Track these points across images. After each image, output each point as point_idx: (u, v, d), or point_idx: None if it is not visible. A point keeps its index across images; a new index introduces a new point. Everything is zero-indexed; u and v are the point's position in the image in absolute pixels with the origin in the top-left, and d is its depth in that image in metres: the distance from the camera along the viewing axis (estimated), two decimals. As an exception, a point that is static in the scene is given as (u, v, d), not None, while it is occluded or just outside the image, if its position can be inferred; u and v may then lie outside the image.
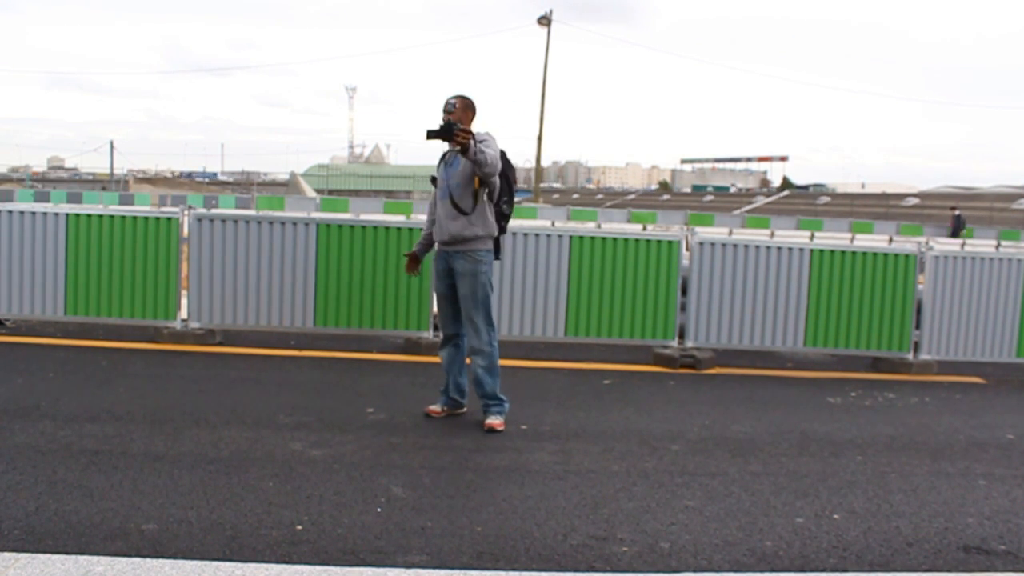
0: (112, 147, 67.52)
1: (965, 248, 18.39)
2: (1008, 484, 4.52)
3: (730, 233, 25.88)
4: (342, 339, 7.25)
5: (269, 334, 7.26)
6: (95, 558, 2.95)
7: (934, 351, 7.57)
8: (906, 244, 9.03)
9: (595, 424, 5.25)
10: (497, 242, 5.11)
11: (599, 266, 7.18)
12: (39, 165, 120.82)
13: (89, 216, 7.01)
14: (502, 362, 5.16)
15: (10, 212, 7.00)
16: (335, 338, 7.24)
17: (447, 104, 4.87)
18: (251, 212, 15.67)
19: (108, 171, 69.13)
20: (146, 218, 7.02)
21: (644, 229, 23.62)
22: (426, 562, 3.14)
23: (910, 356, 7.55)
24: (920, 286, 7.58)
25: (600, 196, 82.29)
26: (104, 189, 55.42)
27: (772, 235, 26.85)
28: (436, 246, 5.20)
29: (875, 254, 7.54)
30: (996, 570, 3.41)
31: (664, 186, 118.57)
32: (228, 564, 2.97)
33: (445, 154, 5.11)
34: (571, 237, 7.20)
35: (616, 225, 29.80)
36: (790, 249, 7.41)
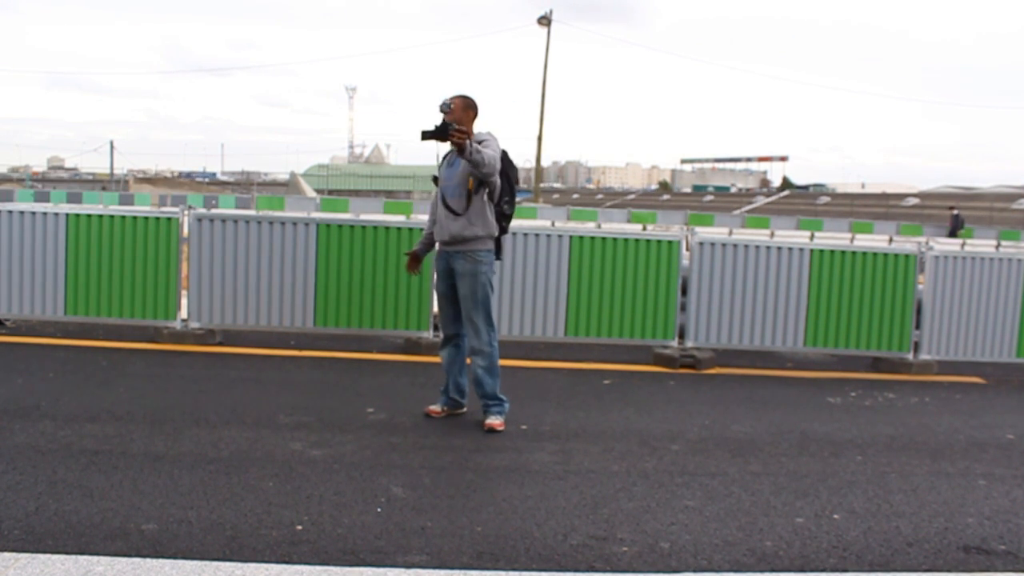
0: (112, 147, 67.57)
1: (965, 248, 18.39)
2: (1008, 484, 4.52)
3: (730, 233, 25.87)
4: (342, 339, 7.25)
5: (269, 334, 7.26)
6: (95, 558, 2.95)
7: (934, 351, 7.57)
8: (906, 244, 9.03)
9: (595, 424, 5.25)
10: (498, 242, 5.11)
11: (599, 266, 7.18)
12: (39, 165, 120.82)
13: (89, 216, 7.01)
14: (502, 362, 5.16)
15: (10, 212, 7.00)
16: (335, 338, 7.24)
17: (443, 104, 4.84)
18: (251, 212, 15.67)
19: (108, 171, 69.14)
20: (146, 218, 7.02)
21: (644, 229, 23.61)
22: (426, 562, 3.14)
23: (910, 356, 7.55)
24: (920, 286, 7.58)
25: (600, 196, 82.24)
26: (104, 189, 55.41)
27: (772, 235, 26.83)
28: (437, 246, 5.20)
29: (875, 254, 7.54)
30: (996, 570, 3.41)
31: (664, 186, 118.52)
32: (228, 564, 2.97)
33: (448, 154, 5.10)
34: (571, 237, 7.20)
35: (616, 225, 29.79)
36: (790, 249, 7.41)
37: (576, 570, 3.17)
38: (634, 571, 3.20)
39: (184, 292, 7.10)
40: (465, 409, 5.28)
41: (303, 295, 6.98)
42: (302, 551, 3.18)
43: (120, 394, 5.38)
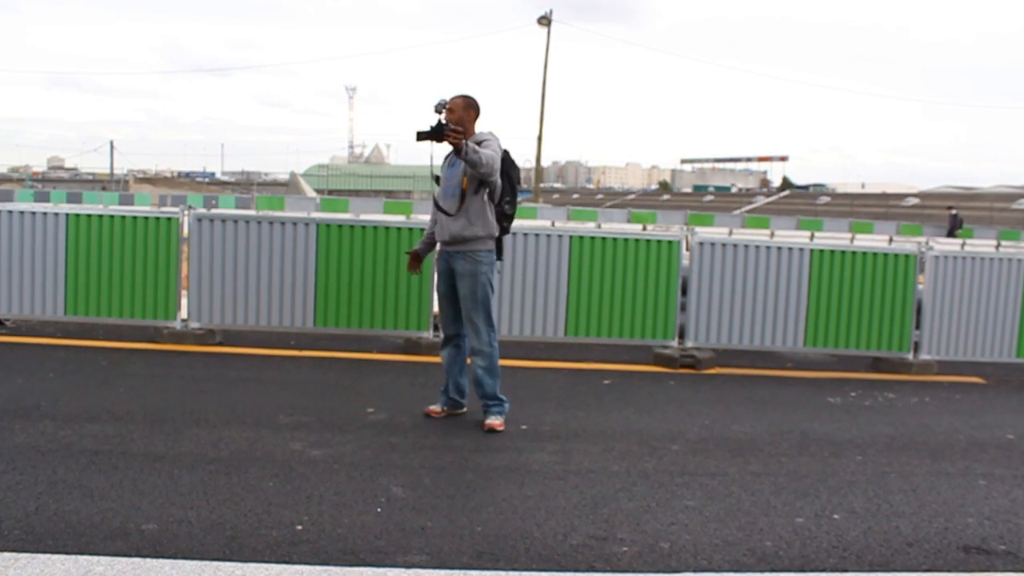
0: (112, 147, 67.60)
1: (965, 248, 18.39)
2: (1008, 484, 4.52)
3: (730, 233, 25.87)
4: (342, 339, 7.25)
5: (269, 334, 7.26)
6: (95, 558, 2.95)
7: (934, 351, 7.57)
8: (906, 244, 9.03)
9: (595, 424, 5.25)
10: (499, 243, 5.10)
11: (599, 266, 7.18)
12: (39, 165, 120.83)
13: (89, 216, 7.01)
14: (502, 362, 5.16)
15: (10, 212, 7.00)
16: (335, 338, 7.24)
17: (438, 104, 4.73)
18: (251, 212, 15.68)
19: (108, 171, 69.17)
20: (146, 218, 7.02)
21: (644, 229, 23.62)
22: (426, 562, 3.14)
23: (910, 356, 7.55)
24: (920, 286, 7.58)
25: (600, 196, 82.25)
26: (104, 189, 55.44)
27: (772, 235, 26.84)
28: (439, 246, 5.19)
29: (875, 254, 7.54)
30: (996, 570, 3.41)
31: (664, 186, 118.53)
32: (228, 564, 2.97)
33: (449, 154, 5.09)
34: (571, 237, 7.20)
35: (616, 225, 29.80)
36: (790, 249, 7.41)
37: (576, 570, 3.17)
38: (634, 571, 3.20)
39: (184, 292, 7.10)
40: (465, 409, 5.28)
41: (303, 295, 6.98)
42: (302, 551, 3.18)
43: (120, 394, 5.38)
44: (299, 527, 3.40)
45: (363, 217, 13.06)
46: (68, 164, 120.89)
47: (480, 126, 5.04)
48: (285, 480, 3.93)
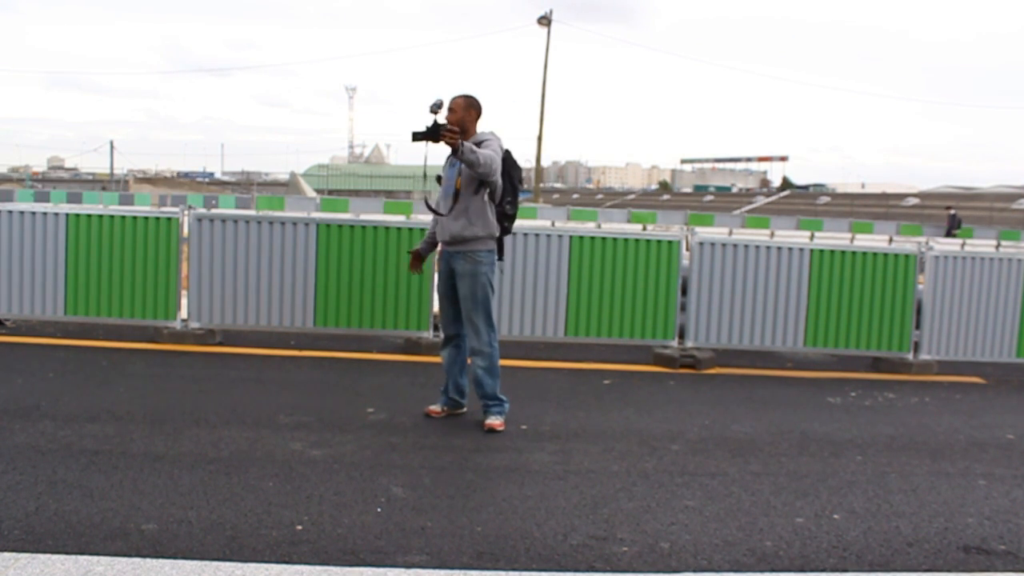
0: (112, 147, 67.61)
1: (965, 248, 18.39)
2: (1008, 484, 4.52)
3: (730, 233, 25.87)
4: (342, 339, 7.25)
5: (269, 334, 7.26)
6: (95, 558, 2.95)
7: (934, 351, 7.57)
8: (906, 244, 9.03)
9: (595, 424, 5.25)
10: (500, 243, 5.09)
11: (599, 266, 7.18)
12: (39, 165, 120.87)
13: (89, 216, 7.01)
14: (502, 362, 5.16)
15: (10, 212, 7.00)
16: (335, 338, 7.24)
17: (433, 104, 4.66)
18: (251, 212, 15.68)
19: (108, 171, 69.17)
20: (146, 218, 7.02)
21: (644, 229, 23.62)
22: (426, 562, 3.14)
23: (910, 356, 7.55)
24: (920, 286, 7.58)
25: (600, 196, 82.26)
26: (104, 189, 55.45)
27: (772, 235, 26.85)
28: (440, 246, 5.18)
29: (875, 254, 7.54)
30: (996, 570, 3.41)
31: (664, 186, 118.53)
32: (228, 564, 2.97)
33: (451, 154, 5.07)
34: (571, 237, 7.20)
35: (616, 225, 29.81)
36: (790, 249, 7.41)
37: (576, 570, 3.17)
38: (634, 571, 3.20)
39: (184, 292, 7.10)
40: (465, 409, 5.28)
41: (303, 295, 6.98)
42: (302, 551, 3.18)
43: (120, 394, 5.38)
44: (299, 527, 3.40)
45: (363, 217, 13.06)
46: (68, 164, 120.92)
47: (481, 126, 5.03)
48: (285, 480, 3.93)
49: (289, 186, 60.48)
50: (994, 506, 4.14)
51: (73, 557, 2.95)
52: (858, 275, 7.42)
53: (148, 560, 2.96)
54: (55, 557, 2.94)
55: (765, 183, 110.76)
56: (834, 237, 27.18)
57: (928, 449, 5.14)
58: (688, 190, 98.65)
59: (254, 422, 4.87)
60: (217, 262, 6.96)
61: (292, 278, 6.97)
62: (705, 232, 8.74)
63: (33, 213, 7.03)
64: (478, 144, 4.85)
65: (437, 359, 5.73)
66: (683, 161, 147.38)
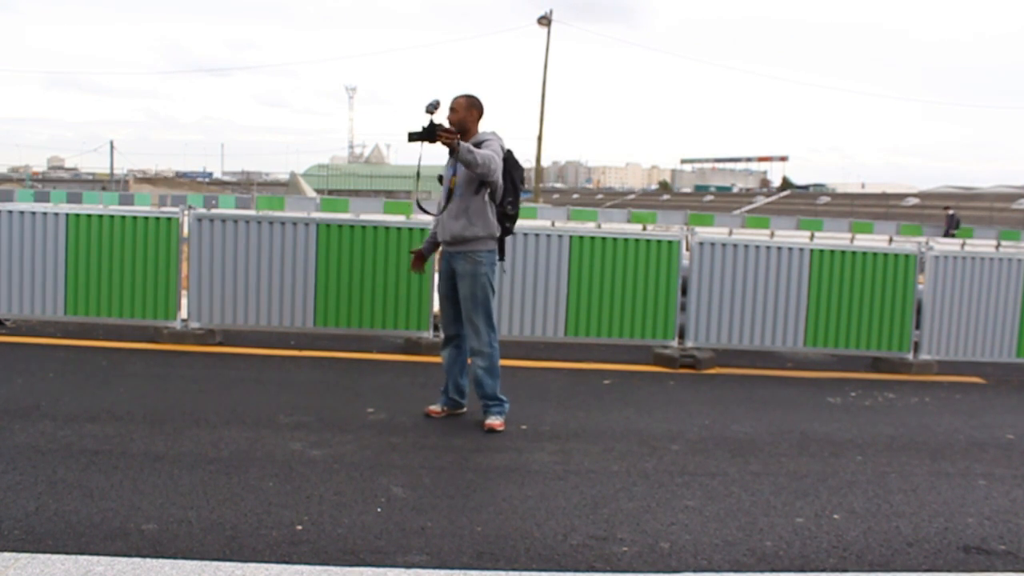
0: (112, 147, 67.61)
1: (965, 248, 18.40)
2: (1008, 484, 4.52)
3: (730, 233, 25.90)
4: (342, 339, 7.25)
5: (269, 334, 7.26)
6: (95, 558, 2.95)
7: (934, 351, 7.57)
8: (906, 244, 9.03)
9: (595, 424, 5.25)
10: (502, 243, 5.08)
11: (599, 266, 7.18)
12: (39, 165, 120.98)
13: (89, 216, 7.01)
14: (502, 362, 5.15)
15: (10, 212, 7.00)
16: (335, 338, 7.24)
17: (429, 105, 4.64)
18: (251, 212, 15.68)
19: (108, 171, 69.18)
20: (146, 218, 7.02)
21: (644, 229, 23.62)
22: (426, 562, 3.14)
23: (910, 356, 7.55)
24: (920, 286, 7.58)
25: (600, 196, 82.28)
26: (104, 189, 55.46)
27: (772, 235, 26.88)
28: (442, 246, 5.18)
29: (875, 254, 7.54)
30: (996, 570, 3.41)
31: (664, 186, 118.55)
32: (228, 564, 2.97)
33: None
34: (571, 237, 7.20)
35: (616, 225, 29.83)
36: (790, 249, 7.41)
37: (576, 570, 3.17)
38: (634, 571, 3.20)
39: (184, 292, 7.10)
40: (465, 409, 5.28)
41: (303, 295, 6.98)
42: (302, 551, 3.18)
43: (120, 394, 5.38)
44: (299, 527, 3.40)
45: (363, 217, 13.06)
46: (68, 164, 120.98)
47: (482, 126, 5.03)
48: (285, 480, 3.93)
49: (289, 186, 60.52)
50: (994, 506, 4.14)
51: (73, 557, 2.95)
52: (858, 275, 7.42)
53: (148, 560, 2.96)
54: (55, 557, 2.94)
55: (765, 183, 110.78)
56: (834, 237, 27.20)
57: (928, 449, 5.14)
58: (688, 190, 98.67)
59: (254, 422, 4.87)
60: (217, 262, 6.96)
61: (292, 278, 6.97)
62: (705, 232, 8.74)
63: (33, 213, 7.03)
64: (479, 144, 4.85)
65: (437, 359, 5.73)
66: (683, 161, 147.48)
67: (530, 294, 7.13)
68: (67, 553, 3.01)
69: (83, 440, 4.37)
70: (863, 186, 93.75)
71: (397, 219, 6.93)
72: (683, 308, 7.33)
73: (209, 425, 4.76)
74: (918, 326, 7.56)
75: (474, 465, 4.34)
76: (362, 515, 3.56)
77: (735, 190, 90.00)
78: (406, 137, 4.61)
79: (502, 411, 5.03)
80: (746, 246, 7.37)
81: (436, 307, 6.85)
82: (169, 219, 6.99)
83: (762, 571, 3.26)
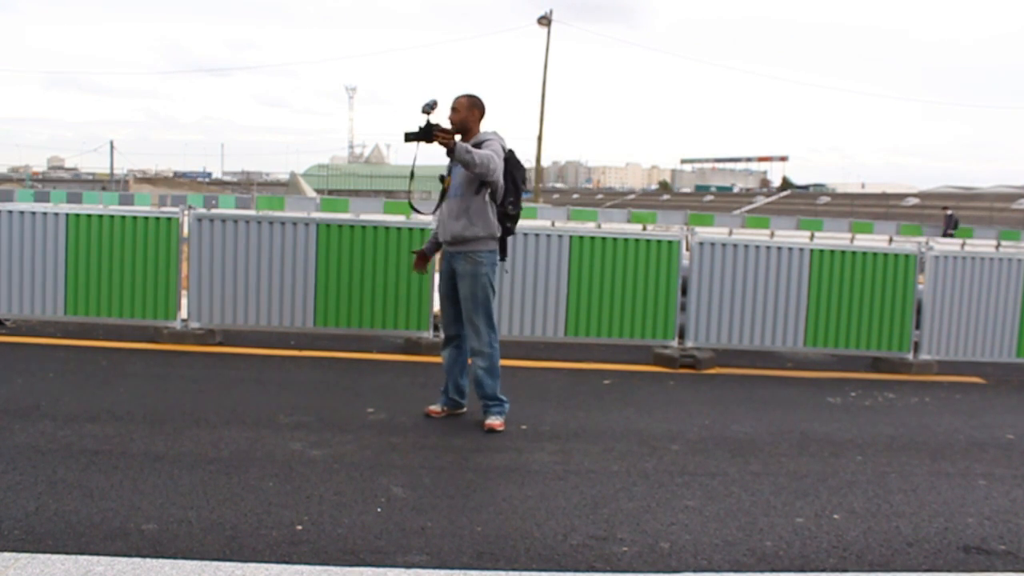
0: (112, 147, 67.63)
1: (965, 248, 18.40)
2: (1008, 484, 4.52)
3: (730, 233, 25.90)
4: (342, 339, 7.25)
5: (269, 334, 7.26)
6: (95, 558, 2.95)
7: (934, 351, 7.57)
8: (906, 244, 9.03)
9: (595, 424, 5.25)
10: (503, 243, 5.08)
11: (599, 266, 7.18)
12: (39, 165, 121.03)
13: (89, 216, 7.01)
14: (502, 362, 5.15)
15: (10, 212, 7.00)
16: (335, 338, 7.24)
17: (425, 105, 4.63)
18: (251, 212, 15.67)
19: (108, 171, 69.20)
20: (146, 218, 7.02)
21: (644, 229, 23.62)
22: (426, 562, 3.14)
23: (910, 356, 7.55)
24: (920, 286, 7.58)
25: (600, 196, 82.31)
26: (104, 189, 55.47)
27: (772, 235, 26.88)
28: (443, 246, 5.17)
29: (875, 254, 7.54)
30: (996, 570, 3.41)
31: (664, 186, 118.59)
32: (228, 564, 2.97)
33: None
34: (571, 237, 7.20)
35: (616, 225, 29.82)
36: (790, 249, 7.41)
37: (576, 570, 3.17)
38: (634, 571, 3.20)
39: (184, 292, 7.10)
40: (465, 409, 5.28)
41: (303, 295, 6.98)
42: (302, 551, 3.18)
43: (120, 394, 5.38)
44: (299, 527, 3.40)
45: (363, 217, 13.06)
46: (68, 164, 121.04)
47: (484, 126, 5.02)
48: (285, 480, 3.93)
49: (289, 186, 60.51)
50: (994, 506, 4.14)
51: (73, 557, 2.95)
52: (858, 275, 7.42)
53: (148, 560, 2.96)
54: (55, 557, 2.94)
55: (765, 183, 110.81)
56: (834, 237, 27.20)
57: (928, 449, 5.14)
58: (688, 190, 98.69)
59: (254, 422, 4.87)
60: (217, 262, 6.96)
61: (292, 278, 6.97)
62: (705, 232, 8.74)
63: (33, 213, 7.03)
64: (479, 144, 4.85)
65: (437, 359, 5.73)
66: (683, 161, 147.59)
67: (530, 294, 7.13)
68: (67, 553, 3.01)
69: (83, 440, 4.37)
70: (863, 186, 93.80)
71: (397, 219, 6.93)
72: (683, 308, 7.33)
73: (209, 425, 4.76)
74: (918, 326, 7.56)
75: (474, 465, 4.34)
76: (362, 515, 3.56)
77: (736, 190, 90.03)
78: (403, 137, 4.61)
79: (502, 411, 5.03)
80: (746, 246, 7.37)
81: (436, 307, 6.85)
82: (169, 219, 6.99)
83: (762, 571, 3.26)
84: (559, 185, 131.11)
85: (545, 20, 46.51)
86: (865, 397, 6.47)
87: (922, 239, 13.96)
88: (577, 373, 6.76)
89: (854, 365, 7.67)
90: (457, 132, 4.90)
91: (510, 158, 4.96)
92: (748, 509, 3.89)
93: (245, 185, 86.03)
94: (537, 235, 7.16)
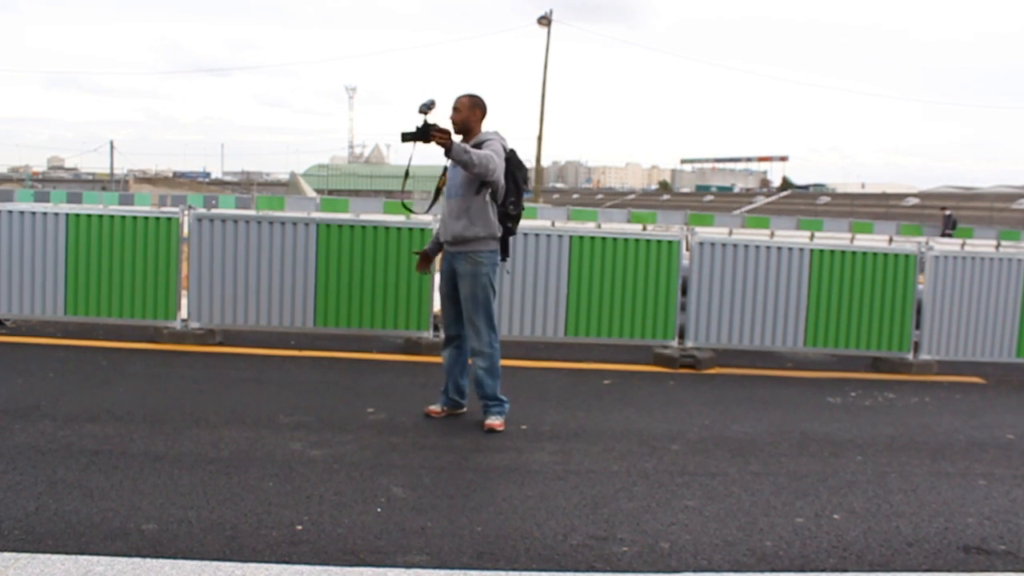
0: (112, 147, 67.63)
1: (965, 248, 18.40)
2: (1008, 484, 4.52)
3: (730, 233, 25.90)
4: (342, 339, 7.25)
5: (269, 334, 7.26)
6: (95, 558, 2.95)
7: (934, 351, 7.57)
8: (906, 244, 9.03)
9: (595, 424, 5.25)
10: (505, 243, 5.07)
11: (599, 266, 7.18)
12: (39, 165, 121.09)
13: (89, 216, 7.01)
14: (502, 362, 5.15)
15: (10, 212, 7.00)
16: (335, 338, 7.24)
17: (422, 105, 4.64)
18: (251, 212, 15.68)
19: (108, 171, 69.20)
20: (146, 218, 7.02)
21: (644, 229, 23.62)
22: (426, 562, 3.14)
23: (910, 356, 7.55)
24: (920, 286, 7.58)
25: (600, 196, 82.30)
26: (104, 189, 55.48)
27: (772, 235, 26.89)
28: (444, 246, 5.17)
29: (875, 254, 7.54)
30: (996, 570, 3.41)
31: (664, 186, 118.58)
32: (228, 564, 2.97)
33: None
34: (571, 237, 7.20)
35: (616, 225, 29.83)
36: (790, 249, 7.41)
37: (576, 570, 3.17)
38: (634, 571, 3.20)
39: (184, 292, 7.10)
40: (465, 409, 5.27)
41: (303, 295, 6.98)
42: (302, 551, 3.18)
43: (120, 394, 5.38)
44: (299, 527, 3.40)
45: (363, 217, 13.06)
46: (68, 164, 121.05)
47: (485, 126, 5.02)
48: (285, 480, 3.93)
49: (289, 186, 60.51)
50: (994, 506, 4.14)
51: (73, 557, 2.95)
52: (858, 275, 7.42)
53: (148, 560, 2.96)
54: (55, 557, 2.94)
55: (765, 183, 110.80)
56: (834, 237, 27.21)
57: (928, 449, 5.14)
58: (688, 190, 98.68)
59: (254, 422, 4.87)
60: (217, 262, 6.96)
61: (292, 278, 6.97)
62: (705, 232, 8.74)
63: (33, 213, 7.03)
64: (480, 144, 4.85)
65: (437, 359, 5.73)
66: (683, 161, 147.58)
67: (530, 294, 7.13)
68: (67, 553, 3.01)
69: (83, 440, 4.37)
70: (863, 186, 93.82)
71: (397, 219, 6.93)
72: (683, 308, 7.33)
73: (209, 425, 4.76)
74: (918, 326, 7.56)
75: (474, 465, 4.34)
76: (362, 515, 3.56)
77: (736, 190, 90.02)
78: (400, 137, 4.61)
79: (502, 411, 5.03)
80: (746, 246, 7.37)
81: (436, 307, 6.85)
82: (169, 219, 6.99)
83: (762, 571, 3.26)
84: (559, 185, 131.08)
85: (545, 20, 46.51)
86: (865, 397, 6.47)
87: (922, 239, 13.96)
88: (577, 373, 6.76)
89: (854, 365, 7.66)
90: (459, 132, 4.91)
91: (512, 158, 4.95)
92: (748, 509, 3.89)
93: (245, 185, 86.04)
94: (537, 235, 7.16)
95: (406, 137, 4.59)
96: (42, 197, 33.36)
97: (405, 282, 6.99)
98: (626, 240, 7.27)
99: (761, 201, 65.29)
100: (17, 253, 6.95)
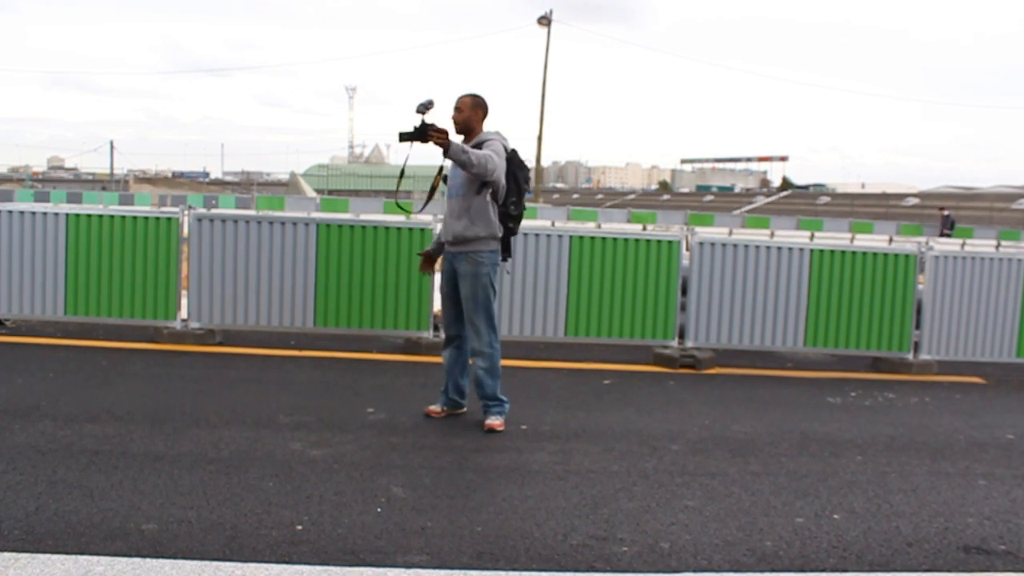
0: (112, 147, 67.62)
1: (965, 248, 18.40)
2: (1008, 484, 4.52)
3: (730, 233, 25.89)
4: (342, 339, 7.25)
5: (269, 334, 7.26)
6: (95, 558, 2.95)
7: (934, 351, 7.57)
8: (906, 244, 9.03)
9: (595, 424, 5.25)
10: (507, 243, 5.07)
11: (599, 266, 7.18)
12: (39, 165, 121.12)
13: (89, 216, 7.01)
14: (502, 362, 5.15)
15: (10, 212, 7.00)
16: (335, 338, 7.24)
17: (420, 105, 4.62)
18: (251, 212, 15.68)
19: (108, 171, 69.20)
20: (146, 218, 7.02)
21: (644, 229, 23.62)
22: (426, 562, 3.14)
23: (910, 356, 7.55)
24: (920, 286, 7.58)
25: (600, 196, 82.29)
26: (104, 189, 55.47)
27: (772, 235, 26.88)
28: (445, 246, 5.17)
29: (875, 254, 7.54)
30: (996, 570, 3.41)
31: (664, 186, 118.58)
32: (228, 564, 2.97)
33: None
34: (571, 237, 7.20)
35: (616, 225, 29.82)
36: (790, 249, 7.41)
37: (576, 570, 3.17)
38: (634, 571, 3.20)
39: (184, 292, 7.10)
40: (465, 409, 5.27)
41: (303, 295, 6.98)
42: (302, 551, 3.17)
43: (120, 394, 5.38)
44: (299, 527, 3.40)
45: (363, 217, 13.06)
46: (68, 164, 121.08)
47: (486, 126, 5.02)
48: (285, 480, 3.93)
49: (289, 186, 60.51)
50: (994, 506, 4.14)
51: (73, 557, 2.95)
52: (858, 275, 7.42)
53: (148, 560, 2.96)
54: (55, 557, 2.94)
55: (765, 183, 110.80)
56: (834, 237, 27.20)
57: (928, 449, 5.14)
58: (688, 190, 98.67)
59: (254, 422, 4.87)
60: (217, 262, 6.96)
61: (292, 278, 6.97)
62: (705, 232, 8.74)
63: (33, 213, 7.03)
64: (480, 144, 4.84)
65: (437, 359, 5.73)
66: (683, 161, 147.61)
67: (530, 294, 7.13)
68: (67, 553, 3.01)
69: (83, 440, 4.37)
70: (863, 186, 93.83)
71: (397, 219, 6.93)
72: (683, 308, 7.33)
73: (209, 425, 4.76)
74: (918, 326, 7.56)
75: (474, 465, 4.34)
76: (362, 515, 3.56)
77: (737, 190, 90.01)
78: (397, 137, 4.60)
79: (502, 411, 5.02)
80: (746, 246, 7.37)
81: (436, 307, 6.85)
82: (169, 219, 6.99)
83: (762, 571, 3.26)
84: (559, 185, 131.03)
85: (545, 20, 46.48)
86: (865, 397, 6.47)
87: (922, 239, 13.96)
88: (577, 373, 6.76)
89: (854, 365, 7.66)
90: (460, 132, 4.91)
91: (513, 158, 4.95)
92: (748, 509, 3.89)
93: (245, 185, 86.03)
94: (537, 235, 7.16)
95: (404, 137, 4.59)
96: (42, 197, 33.34)
97: (405, 282, 6.99)
98: (626, 240, 7.27)
99: (761, 201, 65.29)
100: (17, 253, 6.95)
